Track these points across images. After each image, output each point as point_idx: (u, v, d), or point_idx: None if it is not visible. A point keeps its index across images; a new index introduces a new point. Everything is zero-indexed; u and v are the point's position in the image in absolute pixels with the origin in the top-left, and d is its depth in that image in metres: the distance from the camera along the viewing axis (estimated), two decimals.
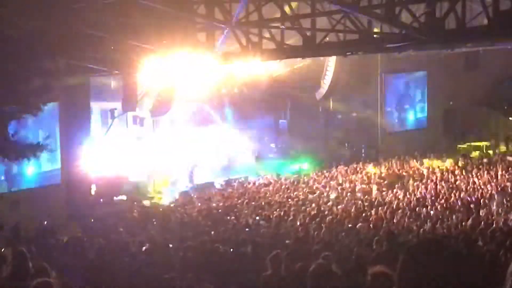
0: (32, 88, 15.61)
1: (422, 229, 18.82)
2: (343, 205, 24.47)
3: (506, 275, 4.19)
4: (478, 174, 28.81)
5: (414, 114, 41.16)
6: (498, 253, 13.63)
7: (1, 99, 15.15)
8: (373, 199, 25.34)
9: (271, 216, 22.69)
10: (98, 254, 16.28)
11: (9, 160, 15.97)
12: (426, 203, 23.76)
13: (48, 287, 6.90)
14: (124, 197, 30.22)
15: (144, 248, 15.48)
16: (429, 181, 28.49)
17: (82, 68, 24.48)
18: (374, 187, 28.41)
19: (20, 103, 15.44)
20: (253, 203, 25.98)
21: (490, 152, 36.15)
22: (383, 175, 31.02)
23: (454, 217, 20.95)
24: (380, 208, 23.05)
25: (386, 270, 6.84)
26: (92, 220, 24.18)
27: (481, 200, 23.42)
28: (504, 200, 23.01)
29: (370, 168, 33.15)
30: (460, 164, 32.14)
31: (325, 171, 33.49)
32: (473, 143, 38.24)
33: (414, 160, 33.97)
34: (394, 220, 20.90)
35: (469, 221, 19.56)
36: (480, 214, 21.42)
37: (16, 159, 16.02)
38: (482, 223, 19.13)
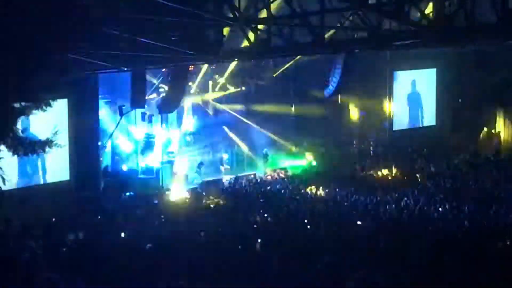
0: (42, 84, 15.63)
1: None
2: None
3: None
4: None
5: (423, 111, 41.02)
6: None
7: (10, 94, 15.17)
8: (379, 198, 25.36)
9: (280, 213, 22.70)
10: (106, 253, 16.34)
11: (18, 155, 15.97)
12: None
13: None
14: (132, 194, 30.25)
15: (148, 246, 15.52)
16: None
17: (91, 65, 24.50)
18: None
19: (29, 99, 15.46)
20: (261, 200, 25.99)
21: None
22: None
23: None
24: (387, 206, 23.08)
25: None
26: (100, 217, 24.20)
27: None
28: None
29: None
30: None
31: None
32: None
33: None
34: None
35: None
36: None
37: (25, 155, 16.01)
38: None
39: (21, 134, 15.65)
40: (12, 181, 24.21)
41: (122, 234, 20.19)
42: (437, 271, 12.46)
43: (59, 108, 25.02)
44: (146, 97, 30.74)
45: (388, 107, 38.73)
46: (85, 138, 27.94)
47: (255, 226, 20.54)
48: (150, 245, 16.28)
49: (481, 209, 21.93)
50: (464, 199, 23.55)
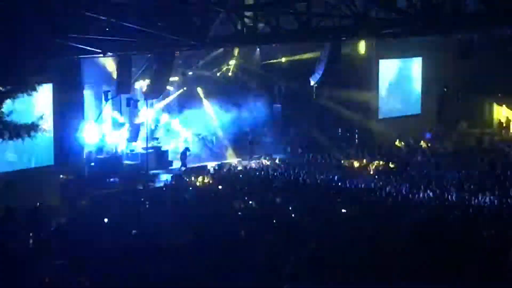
0: (27, 68, 15.56)
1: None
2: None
3: None
4: None
5: (408, 99, 41.09)
6: None
7: None
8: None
9: (265, 200, 22.72)
10: (88, 239, 16.29)
11: (3, 139, 15.90)
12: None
13: None
14: (117, 179, 30.18)
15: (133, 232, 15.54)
16: None
17: (76, 49, 24.38)
18: None
19: (14, 82, 15.39)
20: (246, 187, 25.97)
21: None
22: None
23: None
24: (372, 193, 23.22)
25: None
26: (84, 203, 24.12)
27: None
28: None
29: None
30: None
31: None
32: None
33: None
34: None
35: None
36: None
37: (10, 139, 15.95)
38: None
39: (6, 118, 15.58)
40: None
41: (106, 220, 20.12)
42: (421, 258, 12.54)
43: (44, 93, 24.91)
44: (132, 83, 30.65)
45: (373, 94, 38.76)
46: (69, 123, 27.83)
47: (239, 213, 20.53)
48: (135, 231, 16.26)
49: (465, 196, 22.08)
50: (448, 187, 23.71)
